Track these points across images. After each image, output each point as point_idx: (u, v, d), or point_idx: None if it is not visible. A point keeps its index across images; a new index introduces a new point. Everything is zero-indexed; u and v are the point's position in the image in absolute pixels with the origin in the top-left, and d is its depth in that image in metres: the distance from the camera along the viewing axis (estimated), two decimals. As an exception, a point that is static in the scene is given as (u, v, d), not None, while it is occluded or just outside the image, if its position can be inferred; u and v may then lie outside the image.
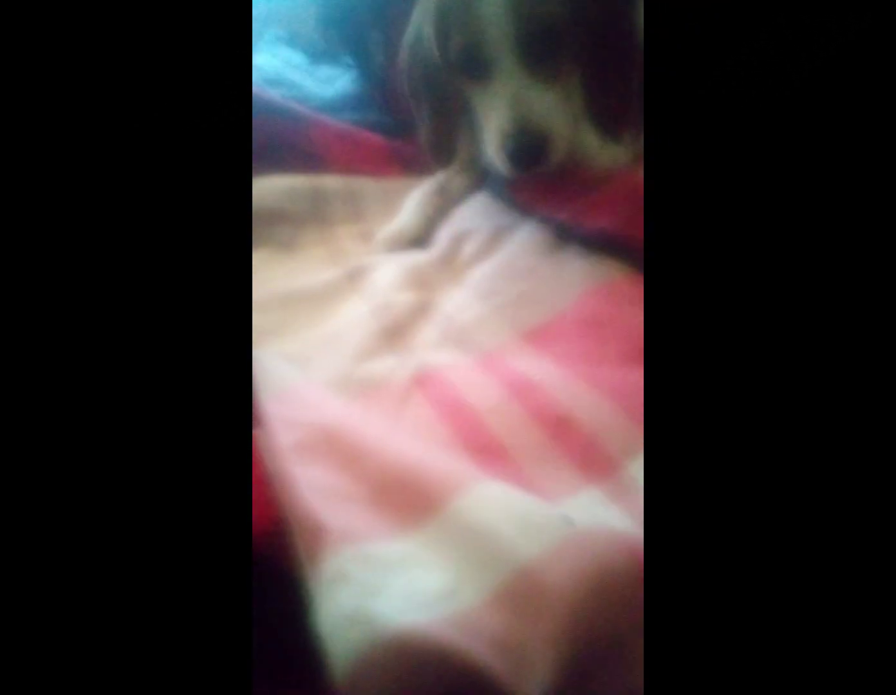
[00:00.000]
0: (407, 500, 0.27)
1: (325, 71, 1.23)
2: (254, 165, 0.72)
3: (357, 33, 1.05)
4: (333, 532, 0.25)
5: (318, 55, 1.28)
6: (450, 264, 0.53)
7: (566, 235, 0.48)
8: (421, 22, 0.53)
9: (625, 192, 0.48)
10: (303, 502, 0.27)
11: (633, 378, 0.33)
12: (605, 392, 0.33)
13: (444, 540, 0.25)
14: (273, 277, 0.58)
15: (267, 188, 0.68)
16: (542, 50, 0.48)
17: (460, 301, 0.48)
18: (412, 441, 0.32)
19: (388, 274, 0.52)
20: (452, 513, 0.26)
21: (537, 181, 0.52)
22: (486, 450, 0.33)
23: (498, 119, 0.49)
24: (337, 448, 0.31)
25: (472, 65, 0.50)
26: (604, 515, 0.28)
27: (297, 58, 1.30)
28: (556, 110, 0.48)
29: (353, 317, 0.49)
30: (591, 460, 0.31)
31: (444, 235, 0.57)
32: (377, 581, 0.24)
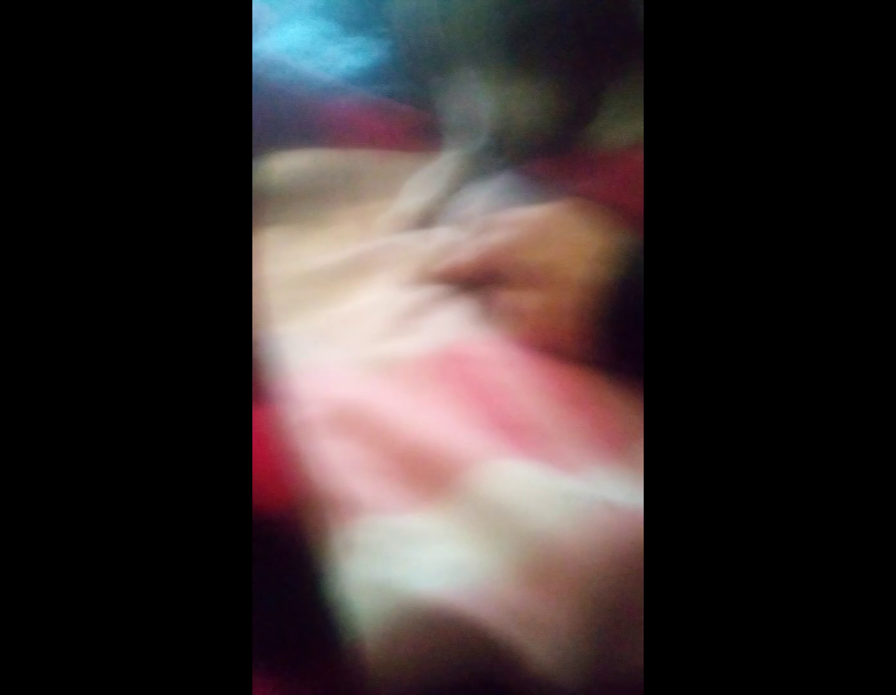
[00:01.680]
0: (429, 474, 0.27)
1: (359, 40, 1.21)
2: (279, 141, 0.72)
3: (390, 2, 1.02)
4: (357, 504, 0.26)
5: (352, 24, 1.26)
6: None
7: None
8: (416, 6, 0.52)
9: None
10: (327, 474, 0.28)
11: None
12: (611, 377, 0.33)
13: (465, 513, 0.26)
14: (299, 253, 0.58)
15: (294, 164, 0.67)
16: (527, 44, 0.46)
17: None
18: (433, 416, 0.33)
19: (417, 251, 0.52)
20: (473, 487, 0.26)
21: (562, 159, 0.50)
22: (513, 426, 0.33)
23: (484, 109, 0.48)
24: (360, 423, 0.31)
25: (459, 53, 0.49)
26: (617, 488, 0.28)
27: (331, 27, 1.28)
28: (541, 101, 0.47)
29: (379, 294, 0.49)
30: (618, 435, 0.31)
31: (473, 213, 0.56)
32: (400, 552, 0.24)
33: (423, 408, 0.34)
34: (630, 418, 0.31)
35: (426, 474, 0.27)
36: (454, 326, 0.42)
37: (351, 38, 1.22)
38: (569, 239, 0.36)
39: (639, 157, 0.51)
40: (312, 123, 0.77)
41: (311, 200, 0.67)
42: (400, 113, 0.82)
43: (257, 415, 0.34)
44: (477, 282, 0.45)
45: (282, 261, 0.56)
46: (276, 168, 0.68)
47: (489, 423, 0.33)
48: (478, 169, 0.63)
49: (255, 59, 0.81)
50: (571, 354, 0.35)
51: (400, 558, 0.24)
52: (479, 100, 0.49)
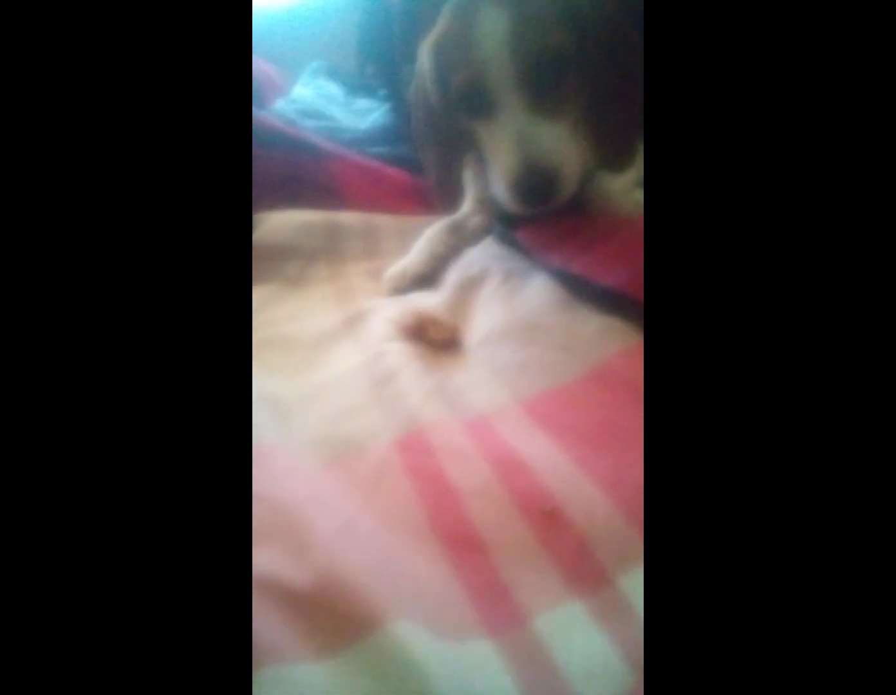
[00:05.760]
0: (341, 612, 0.23)
1: (362, 103, 1.24)
2: (273, 200, 0.71)
3: (392, 67, 1.05)
4: (258, 647, 0.22)
5: (355, 87, 1.30)
6: (455, 312, 0.50)
7: (580, 290, 0.44)
8: (420, 69, 0.51)
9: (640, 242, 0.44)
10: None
11: (637, 473, 0.28)
12: (603, 486, 0.29)
13: (368, 668, 0.21)
14: (275, 315, 0.56)
15: (281, 223, 0.66)
16: (545, 84, 0.45)
17: (459, 356, 0.44)
18: (374, 535, 0.29)
19: (387, 319, 0.49)
20: (375, 642, 0.22)
21: (546, 228, 0.49)
22: (462, 541, 0.29)
23: (504, 156, 0.46)
24: (292, 530, 0.28)
25: (474, 102, 0.47)
26: (584, 636, 0.24)
27: (335, 90, 1.32)
28: (564, 145, 0.45)
29: (346, 366, 0.46)
30: (578, 569, 0.26)
31: (452, 278, 0.54)
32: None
33: (368, 516, 0.30)
34: (614, 547, 0.26)
35: (339, 613, 0.23)
36: (422, 401, 0.39)
37: (355, 101, 1.25)
38: None
39: (628, 231, 0.50)
40: (309, 184, 0.77)
41: (295, 259, 0.66)
42: (393, 176, 0.82)
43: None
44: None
45: (258, 326, 0.53)
46: (265, 226, 0.67)
47: (443, 534, 0.29)
48: (476, 230, 0.61)
49: (258, 120, 0.83)
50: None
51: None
52: (501, 144, 0.46)
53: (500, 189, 0.48)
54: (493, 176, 0.49)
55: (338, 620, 0.22)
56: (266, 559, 0.26)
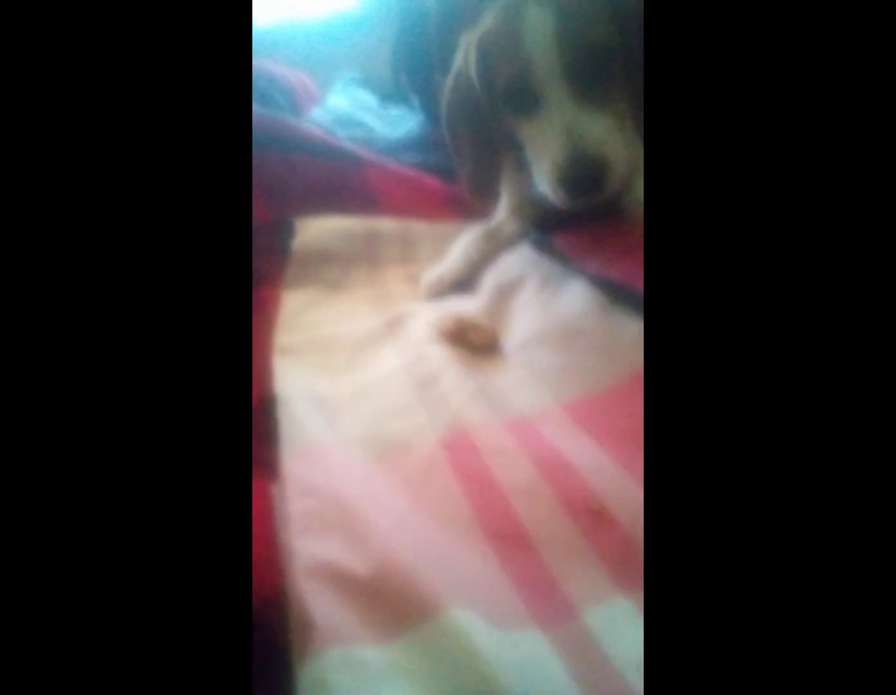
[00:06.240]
0: (399, 599, 0.24)
1: (395, 112, 1.26)
2: (311, 207, 0.73)
3: (425, 77, 1.07)
4: (321, 630, 0.23)
5: (388, 97, 1.33)
6: (493, 316, 0.51)
7: (618, 296, 0.45)
8: (462, 64, 0.52)
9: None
10: (300, 589, 0.25)
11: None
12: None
13: (427, 653, 0.22)
14: (316, 318, 0.58)
15: (321, 229, 0.69)
16: (591, 77, 0.46)
17: (500, 359, 0.45)
18: (425, 529, 0.30)
19: (427, 323, 0.50)
20: (433, 628, 0.23)
21: (583, 234, 0.49)
22: (510, 537, 0.30)
23: (552, 149, 0.47)
24: (348, 522, 0.29)
25: (519, 97, 0.49)
26: (632, 630, 0.25)
27: (369, 99, 1.35)
28: (612, 136, 0.46)
29: (388, 367, 0.47)
30: (624, 565, 0.27)
31: (489, 284, 0.55)
32: (358, 691, 0.21)
33: (418, 510, 0.31)
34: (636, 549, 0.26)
35: (399, 599, 0.24)
36: (465, 403, 0.40)
37: (388, 110, 1.28)
38: None
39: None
40: (347, 191, 0.79)
41: (335, 264, 0.68)
42: (428, 184, 0.84)
43: (259, 488, 0.33)
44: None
45: (301, 328, 0.55)
46: (306, 232, 0.70)
47: (491, 531, 0.30)
48: (512, 236, 0.63)
49: (299, 128, 0.85)
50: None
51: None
52: (548, 138, 0.47)
53: (548, 183, 0.49)
54: (539, 172, 0.50)
55: (397, 606, 0.24)
56: (326, 548, 0.28)
